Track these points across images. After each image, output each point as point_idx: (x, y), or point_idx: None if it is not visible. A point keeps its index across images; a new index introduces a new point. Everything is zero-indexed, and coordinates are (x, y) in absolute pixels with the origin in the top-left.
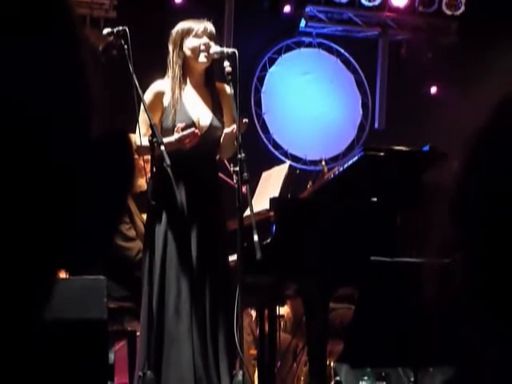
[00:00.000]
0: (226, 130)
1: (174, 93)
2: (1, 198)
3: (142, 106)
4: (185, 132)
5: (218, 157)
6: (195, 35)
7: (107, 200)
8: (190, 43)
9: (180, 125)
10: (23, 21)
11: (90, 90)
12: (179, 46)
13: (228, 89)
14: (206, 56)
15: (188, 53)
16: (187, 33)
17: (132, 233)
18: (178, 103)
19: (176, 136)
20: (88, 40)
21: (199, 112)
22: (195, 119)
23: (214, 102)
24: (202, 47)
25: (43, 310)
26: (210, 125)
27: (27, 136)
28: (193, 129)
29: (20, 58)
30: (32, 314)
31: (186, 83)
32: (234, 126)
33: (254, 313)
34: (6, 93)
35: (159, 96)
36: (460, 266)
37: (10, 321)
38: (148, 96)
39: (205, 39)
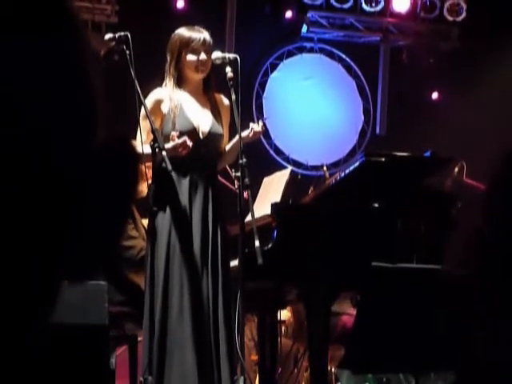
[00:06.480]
0: (244, 134)
1: (172, 100)
2: (4, 205)
3: (142, 113)
4: (179, 140)
5: (219, 165)
6: (193, 50)
7: (112, 206)
8: (187, 59)
9: (174, 133)
10: (27, 21)
11: (93, 92)
12: (176, 58)
13: (225, 100)
14: (203, 70)
15: (185, 66)
16: (186, 45)
17: (134, 232)
18: (178, 109)
19: (170, 144)
20: (90, 43)
21: (200, 117)
22: (196, 124)
23: (214, 108)
24: (200, 64)
25: (47, 317)
26: (211, 130)
27: (29, 138)
28: (185, 137)
29: (23, 57)
30: (36, 320)
31: (184, 90)
32: (250, 130)
33: (255, 318)
34: (8, 93)
35: (158, 103)
36: (477, 277)
37: (13, 326)
38: (147, 104)
39: (202, 55)
